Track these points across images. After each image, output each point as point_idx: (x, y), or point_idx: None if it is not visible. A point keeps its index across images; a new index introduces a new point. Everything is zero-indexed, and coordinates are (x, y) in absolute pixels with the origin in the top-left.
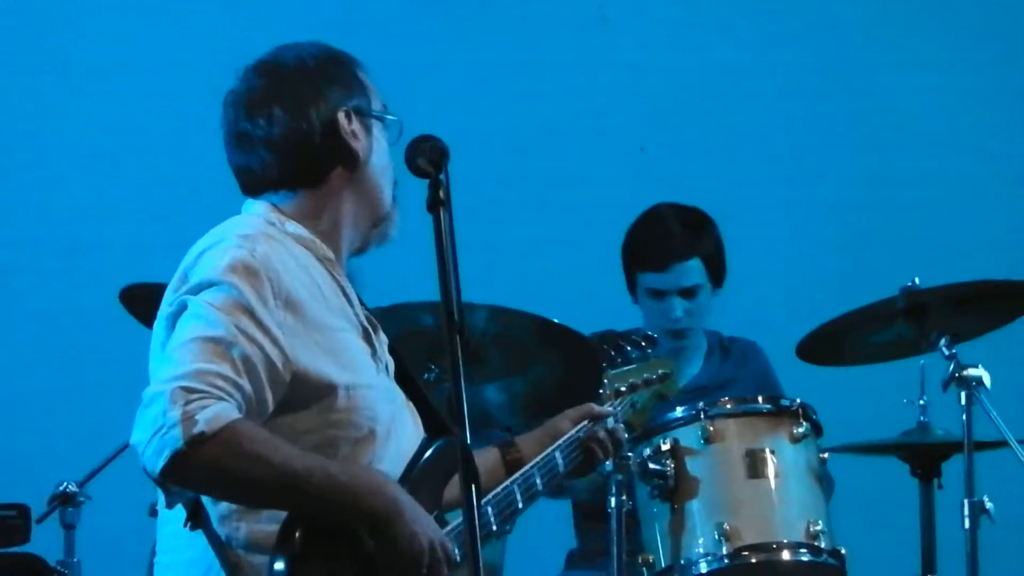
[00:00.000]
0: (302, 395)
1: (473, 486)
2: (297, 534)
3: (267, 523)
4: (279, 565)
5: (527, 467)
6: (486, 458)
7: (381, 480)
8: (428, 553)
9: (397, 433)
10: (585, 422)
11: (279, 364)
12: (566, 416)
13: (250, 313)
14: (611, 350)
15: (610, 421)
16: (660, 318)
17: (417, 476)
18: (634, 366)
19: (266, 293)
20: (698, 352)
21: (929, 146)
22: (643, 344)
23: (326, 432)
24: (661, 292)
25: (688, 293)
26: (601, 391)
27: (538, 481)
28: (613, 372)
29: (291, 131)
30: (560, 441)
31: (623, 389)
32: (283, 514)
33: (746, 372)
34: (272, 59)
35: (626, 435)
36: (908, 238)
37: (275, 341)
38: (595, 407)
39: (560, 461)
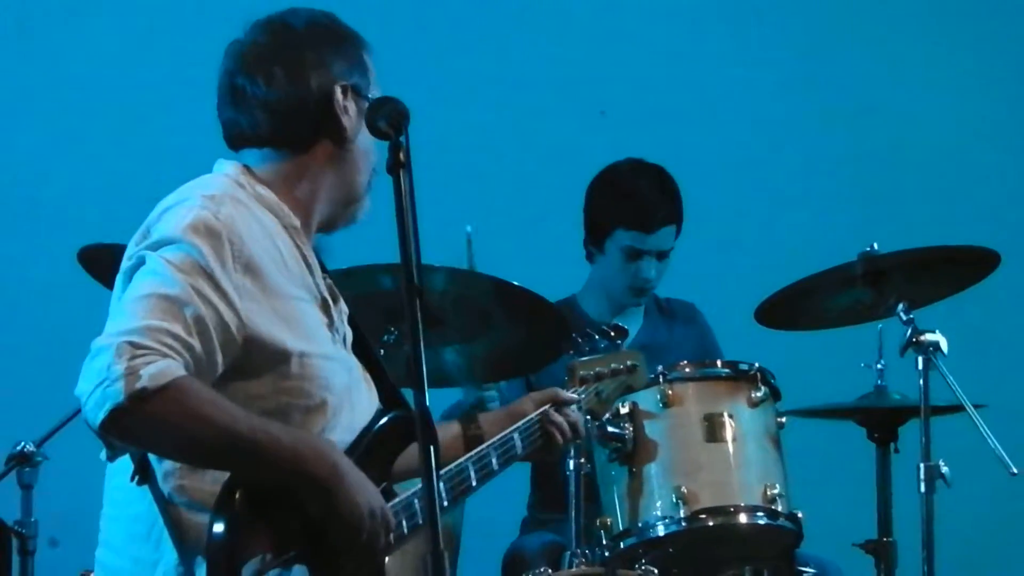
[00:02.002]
0: (255, 361)
1: (432, 449)
2: (238, 495)
3: (211, 483)
4: (218, 527)
5: (484, 446)
6: (447, 431)
7: (325, 446)
8: (368, 521)
9: (352, 404)
10: (548, 406)
11: (232, 327)
12: (530, 398)
13: (207, 274)
14: (579, 338)
15: (573, 408)
16: (628, 276)
17: (367, 446)
18: (601, 355)
19: (226, 255)
20: (638, 311)
21: (888, 113)
22: (612, 334)
23: (279, 399)
24: (640, 252)
25: (662, 256)
26: (567, 378)
27: (494, 461)
28: (580, 360)
29: (287, 94)
30: (520, 423)
31: (589, 377)
32: (228, 474)
33: (686, 332)
34: (282, 19)
35: (589, 423)
36: (867, 204)
37: (230, 304)
38: (560, 392)
39: (518, 443)
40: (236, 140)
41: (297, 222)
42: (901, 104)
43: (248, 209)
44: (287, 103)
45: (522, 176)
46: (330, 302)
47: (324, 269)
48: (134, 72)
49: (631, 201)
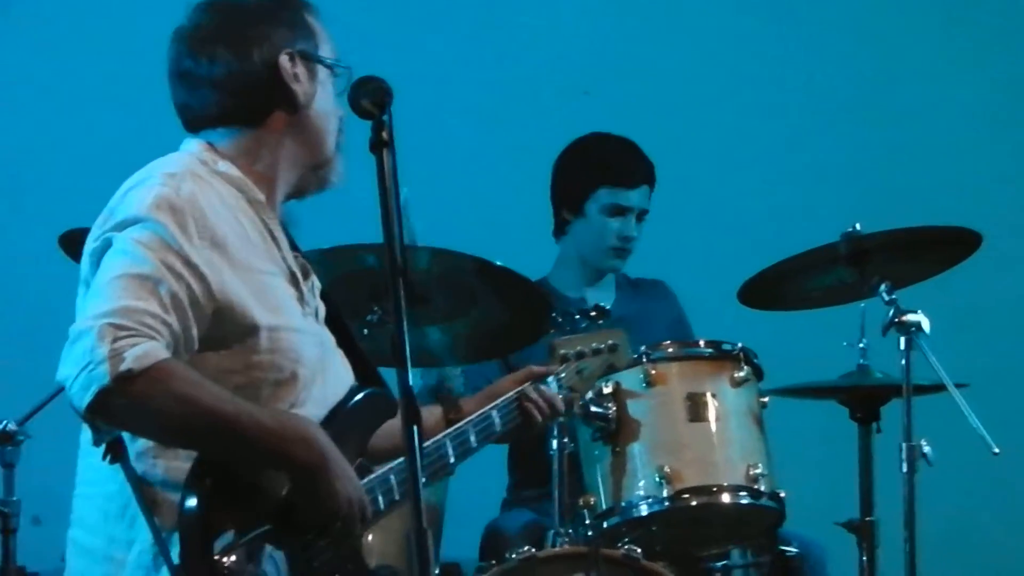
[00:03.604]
0: (225, 333)
1: (415, 428)
2: (209, 471)
3: (184, 460)
4: (191, 501)
5: (462, 423)
6: (428, 414)
7: (311, 430)
8: (345, 509)
9: (325, 378)
10: (527, 384)
11: (203, 299)
12: (510, 378)
13: (175, 250)
14: (559, 318)
15: (553, 385)
16: (609, 236)
17: (341, 422)
18: (582, 334)
19: (191, 230)
20: (610, 286)
21: (872, 93)
22: (593, 314)
23: (250, 373)
24: (624, 209)
25: (641, 216)
26: (548, 357)
27: (472, 439)
28: (561, 338)
29: (233, 71)
30: (499, 400)
31: (570, 355)
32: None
33: (658, 307)
34: None
35: (568, 400)
36: (850, 184)
37: (201, 277)
38: (537, 369)
39: (497, 420)
40: (193, 123)
41: (262, 196)
42: (885, 84)
43: (209, 185)
44: (234, 79)
45: (507, 155)
46: (299, 276)
47: (294, 244)
48: (114, 56)
49: (611, 159)
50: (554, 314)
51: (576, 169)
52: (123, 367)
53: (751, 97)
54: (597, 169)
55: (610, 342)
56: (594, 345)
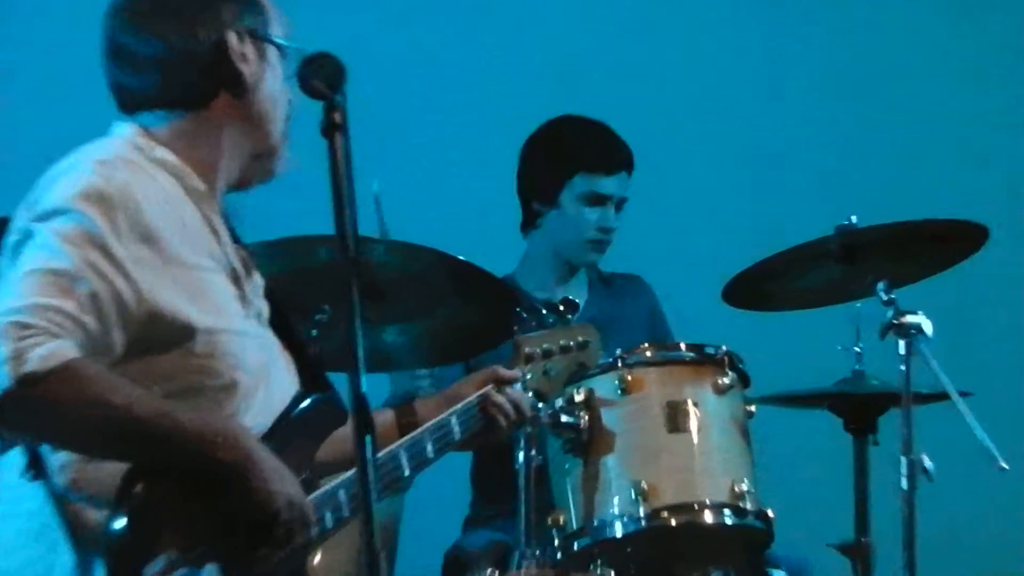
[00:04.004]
0: (158, 337)
1: (368, 438)
2: (139, 487)
3: (111, 475)
4: (118, 523)
5: (418, 431)
6: (380, 421)
7: (236, 431)
8: (285, 512)
9: (269, 385)
10: (489, 386)
11: (131, 302)
12: (470, 379)
13: (101, 245)
14: (524, 314)
15: (517, 387)
16: (587, 227)
17: (285, 432)
18: (549, 330)
19: (120, 224)
20: (581, 285)
21: (868, 77)
22: (561, 309)
23: (187, 378)
24: (602, 197)
25: (620, 205)
26: (512, 356)
27: (428, 448)
28: (526, 335)
29: (175, 48)
30: (458, 405)
31: (536, 354)
32: (129, 465)
33: (634, 306)
34: None
35: (535, 403)
36: (845, 172)
37: (127, 276)
38: (500, 369)
39: (456, 427)
40: (128, 104)
41: (201, 185)
42: (882, 70)
43: (145, 173)
44: (176, 58)
45: (467, 147)
46: (241, 273)
47: (236, 238)
48: (48, 36)
49: (589, 143)
50: (519, 309)
51: (548, 156)
52: (26, 368)
53: (736, 78)
54: (572, 155)
55: (580, 339)
56: (562, 342)
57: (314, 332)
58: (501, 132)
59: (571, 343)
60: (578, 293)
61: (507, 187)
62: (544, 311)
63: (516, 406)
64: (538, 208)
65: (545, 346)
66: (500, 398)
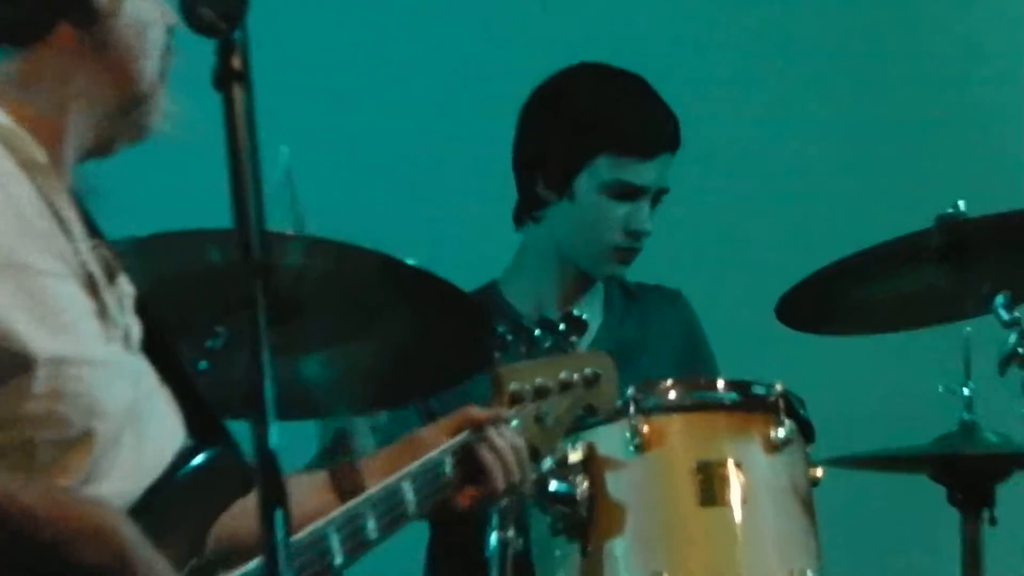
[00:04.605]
0: None
1: (279, 512)
2: None
3: None
4: None
5: (355, 502)
6: (307, 484)
7: (107, 519)
8: None
9: (139, 433)
10: (464, 434)
11: None
12: (436, 426)
13: None
14: (508, 334)
15: (515, 424)
16: (608, 228)
17: (166, 501)
18: (545, 359)
19: None
20: (594, 301)
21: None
22: (562, 328)
23: (18, 431)
24: (635, 190)
25: (656, 199)
26: (492, 394)
27: (370, 525)
28: (511, 366)
29: None
30: (413, 466)
31: (525, 392)
32: None
33: (664, 326)
34: None
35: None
36: (948, 152)
37: None
38: (475, 410)
39: (410, 496)
40: None
41: (41, 155)
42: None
43: None
44: None
45: (441, 94)
46: (100, 280)
47: (94, 231)
48: None
49: (621, 112)
50: (501, 329)
51: (561, 123)
52: None
53: (803, 25)
54: (596, 126)
55: (588, 371)
56: (562, 375)
57: (203, 364)
58: (480, 75)
59: (575, 377)
60: (591, 312)
61: (486, 156)
62: (538, 331)
63: (518, 454)
64: (543, 194)
65: (538, 381)
66: (501, 441)
